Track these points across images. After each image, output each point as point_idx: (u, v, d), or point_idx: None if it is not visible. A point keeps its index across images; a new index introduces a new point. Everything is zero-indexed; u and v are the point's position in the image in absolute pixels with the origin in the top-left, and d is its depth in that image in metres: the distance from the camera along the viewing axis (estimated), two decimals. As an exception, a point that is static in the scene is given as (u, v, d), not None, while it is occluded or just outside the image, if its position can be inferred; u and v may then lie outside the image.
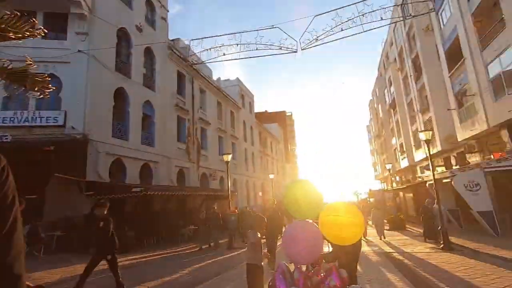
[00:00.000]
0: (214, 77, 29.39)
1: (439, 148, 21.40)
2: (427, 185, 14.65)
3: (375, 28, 9.32)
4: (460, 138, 17.48)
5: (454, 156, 20.49)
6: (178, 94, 19.77)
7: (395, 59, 33.64)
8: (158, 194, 11.77)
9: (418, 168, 30.05)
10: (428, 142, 9.73)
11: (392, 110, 35.70)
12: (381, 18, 8.93)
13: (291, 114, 65.85)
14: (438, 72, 21.13)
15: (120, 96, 14.57)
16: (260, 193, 35.47)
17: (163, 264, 8.36)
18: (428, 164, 24.76)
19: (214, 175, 22.89)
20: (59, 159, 10.14)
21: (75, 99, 12.16)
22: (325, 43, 9.42)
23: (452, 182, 11.20)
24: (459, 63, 16.72)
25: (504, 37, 12.52)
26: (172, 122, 18.59)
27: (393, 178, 44.83)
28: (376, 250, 9.29)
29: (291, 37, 9.84)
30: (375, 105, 49.39)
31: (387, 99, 38.57)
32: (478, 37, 14.48)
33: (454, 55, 17.74)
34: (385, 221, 15.59)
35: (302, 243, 2.19)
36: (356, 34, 8.83)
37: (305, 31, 9.66)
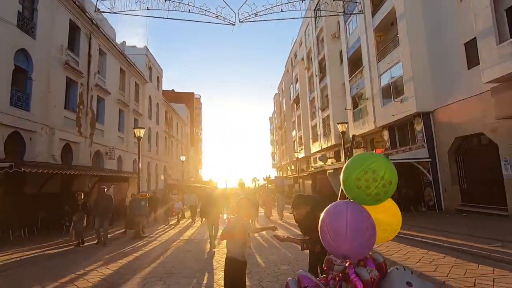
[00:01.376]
0: (118, 41, 25.04)
1: (333, 142, 24.56)
2: (327, 173, 16.48)
3: (312, 17, 9.45)
4: (352, 134, 20.42)
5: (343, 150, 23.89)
6: (69, 50, 15.77)
7: (303, 58, 36.69)
8: (37, 172, 8.98)
9: (312, 158, 34.07)
10: (343, 133, 10.73)
11: (295, 105, 38.99)
12: (319, 8, 9.07)
13: (200, 97, 63.82)
14: (340, 75, 24.08)
15: (-23, 34, 10.38)
16: (162, 177, 33.06)
17: (40, 266, 6.35)
18: (323, 155, 28.17)
19: (111, 154, 19.67)
20: None
21: None
22: (264, 20, 8.97)
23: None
24: (358, 70, 19.33)
25: (396, 53, 15.02)
26: (58, 84, 14.71)
27: (288, 167, 49.77)
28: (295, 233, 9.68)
29: (228, 6, 8.95)
30: (280, 99, 53.11)
31: (292, 95, 41.89)
32: (377, 50, 16.98)
33: (355, 63, 20.44)
34: (287, 205, 17.01)
35: (362, 233, 1.64)
36: (294, 18, 8.66)
37: (245, 3, 8.95)
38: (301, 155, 35.62)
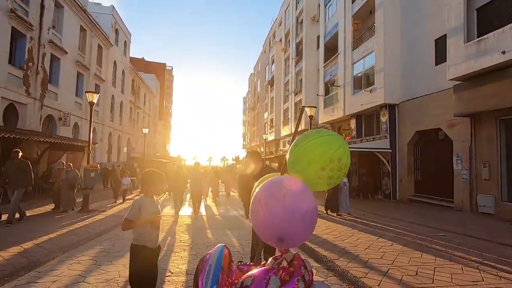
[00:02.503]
0: (79, -6, 22.41)
1: (303, 127, 24.66)
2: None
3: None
4: (321, 121, 20.59)
5: (312, 135, 24.15)
6: (16, -4, 13.74)
7: (281, 39, 35.91)
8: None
9: (281, 142, 34.24)
10: (311, 118, 10.59)
11: (269, 87, 38.52)
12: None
13: (172, 69, 60.76)
14: (315, 60, 23.88)
15: None
16: (125, 149, 31.49)
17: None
18: (292, 139, 28.47)
19: (66, 120, 18.06)
20: None
21: None
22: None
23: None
24: (333, 57, 19.21)
25: (371, 42, 15.00)
26: (2, 35, 12.85)
27: (258, 149, 49.91)
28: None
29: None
30: (255, 79, 52.20)
31: (267, 76, 41.24)
32: (353, 37, 16.87)
33: (331, 49, 20.27)
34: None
35: (302, 215, 1.33)
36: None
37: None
38: (271, 137, 35.72)
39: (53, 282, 3.37)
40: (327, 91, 20.33)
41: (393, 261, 4.38)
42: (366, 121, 16.39)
